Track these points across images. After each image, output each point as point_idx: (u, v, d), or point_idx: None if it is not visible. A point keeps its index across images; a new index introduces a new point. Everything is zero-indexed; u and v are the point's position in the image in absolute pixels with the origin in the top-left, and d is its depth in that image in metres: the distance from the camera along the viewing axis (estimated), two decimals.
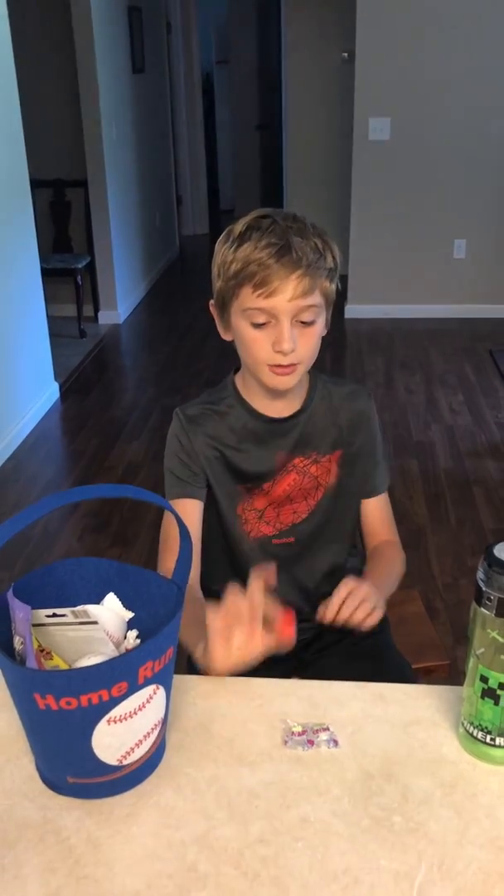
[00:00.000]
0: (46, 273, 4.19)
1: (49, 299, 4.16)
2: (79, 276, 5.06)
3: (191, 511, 1.29)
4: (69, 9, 4.72)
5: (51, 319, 4.18)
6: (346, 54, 5.59)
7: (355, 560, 1.44)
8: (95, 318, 5.42)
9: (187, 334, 5.20)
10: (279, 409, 1.28)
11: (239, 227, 1.16)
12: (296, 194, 6.25)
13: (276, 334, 1.14)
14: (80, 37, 4.76)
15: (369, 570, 1.33)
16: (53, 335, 4.22)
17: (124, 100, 5.47)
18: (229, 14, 8.19)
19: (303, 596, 1.38)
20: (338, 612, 1.14)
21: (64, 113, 5.09)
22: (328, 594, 1.18)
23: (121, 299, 5.46)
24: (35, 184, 3.96)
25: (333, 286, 1.19)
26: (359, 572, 1.40)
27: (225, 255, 1.16)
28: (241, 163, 8.85)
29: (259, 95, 8.50)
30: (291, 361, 1.17)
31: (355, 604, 1.13)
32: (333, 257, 1.17)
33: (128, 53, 5.52)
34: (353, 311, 5.27)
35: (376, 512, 1.40)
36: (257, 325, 1.16)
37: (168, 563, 1.22)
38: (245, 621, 0.96)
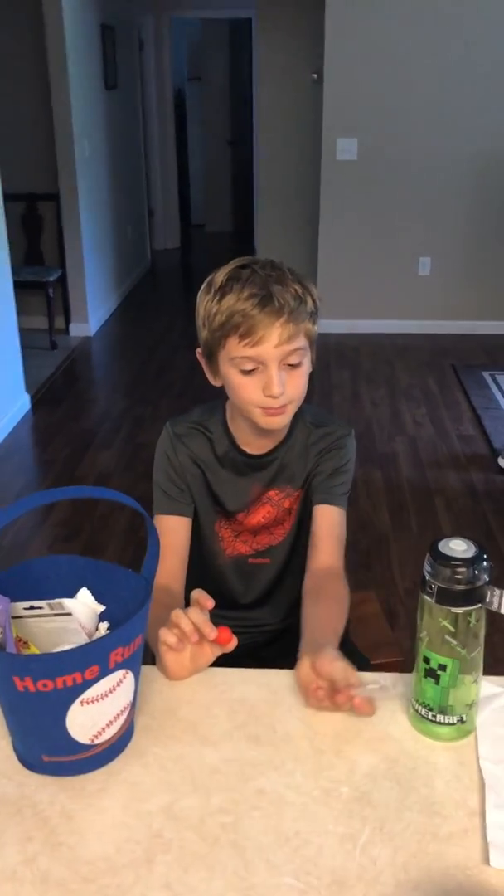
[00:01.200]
0: (18, 285, 4.25)
1: (20, 311, 4.22)
2: (50, 289, 5.12)
3: (177, 528, 1.33)
4: (43, 25, 4.80)
5: (22, 332, 4.24)
6: (315, 75, 5.74)
7: None
8: (66, 331, 5.48)
9: (158, 346, 5.28)
10: (261, 446, 1.33)
11: (220, 278, 1.19)
12: (266, 210, 6.37)
13: (266, 379, 1.19)
14: (54, 53, 4.85)
15: (316, 610, 1.22)
16: (25, 347, 4.27)
17: (97, 115, 5.56)
18: (202, 32, 8.34)
19: (272, 610, 1.46)
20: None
21: (36, 127, 5.17)
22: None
23: (92, 312, 5.53)
24: (7, 197, 4.03)
25: (315, 327, 1.24)
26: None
27: (209, 308, 1.20)
28: (212, 178, 8.99)
29: (230, 112, 8.66)
30: (282, 403, 1.21)
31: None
32: (313, 300, 1.22)
33: (100, 70, 5.62)
34: (320, 325, 5.35)
35: (325, 521, 1.34)
36: (246, 372, 1.20)
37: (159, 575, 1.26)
38: (193, 638, 1.04)
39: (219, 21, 8.04)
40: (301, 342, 1.20)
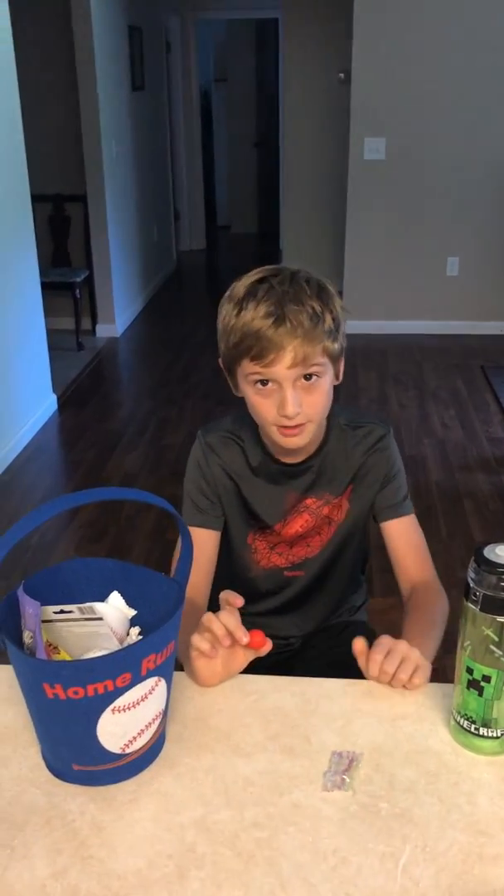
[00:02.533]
0: (45, 286, 4.25)
1: (47, 312, 4.22)
2: (77, 290, 5.12)
3: (206, 541, 1.30)
4: (71, 28, 4.81)
5: (49, 332, 4.24)
6: (342, 75, 5.70)
7: (357, 596, 1.48)
8: (93, 332, 5.48)
9: (184, 348, 5.27)
10: (293, 456, 1.29)
11: (239, 291, 1.16)
12: (292, 211, 6.34)
13: (280, 399, 1.15)
14: (82, 55, 4.85)
15: (407, 624, 1.21)
16: (51, 348, 4.28)
17: (124, 117, 5.57)
18: (228, 33, 8.33)
19: (298, 622, 1.42)
20: (381, 670, 1.07)
21: (64, 129, 5.18)
22: (332, 624, 1.22)
23: (118, 313, 5.53)
24: (35, 198, 4.03)
25: (338, 344, 1.19)
26: (356, 609, 1.46)
27: (226, 322, 1.17)
28: (238, 180, 8.97)
29: (256, 113, 8.64)
30: (298, 422, 1.17)
31: (395, 663, 1.03)
32: (333, 317, 1.16)
33: (128, 72, 5.62)
34: (347, 326, 5.33)
35: (402, 536, 1.31)
36: (261, 391, 1.17)
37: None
38: (226, 642, 1.02)
39: (245, 22, 8.03)
40: (318, 360, 1.15)
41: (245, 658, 1.06)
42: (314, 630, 1.44)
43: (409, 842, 0.83)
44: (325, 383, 1.18)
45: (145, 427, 4.05)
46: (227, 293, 1.19)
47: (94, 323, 5.49)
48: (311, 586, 1.39)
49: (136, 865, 0.81)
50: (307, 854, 0.82)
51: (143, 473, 3.51)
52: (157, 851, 0.83)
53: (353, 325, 5.34)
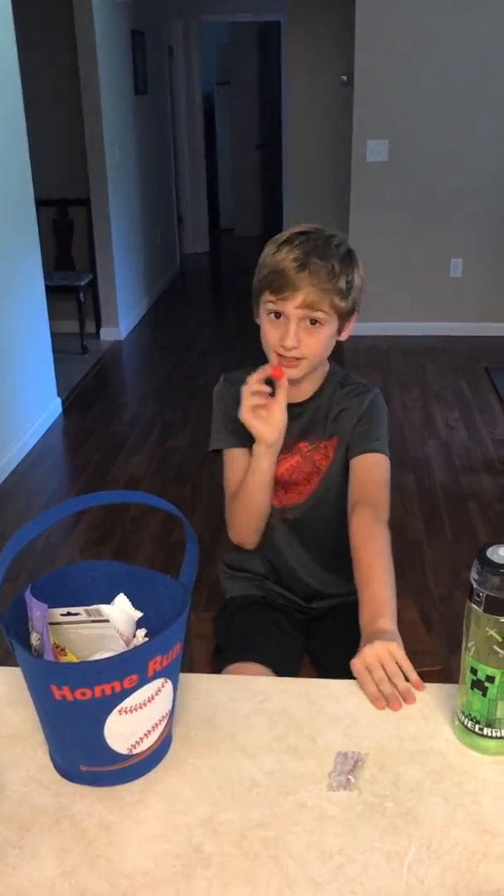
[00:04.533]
0: (49, 290, 4.26)
1: (52, 316, 4.23)
2: (81, 293, 5.14)
3: (240, 458, 1.45)
4: (74, 32, 4.83)
5: (53, 336, 4.25)
6: (345, 77, 5.71)
7: None
8: (97, 335, 5.49)
9: (188, 350, 5.28)
10: (293, 395, 1.42)
11: (283, 235, 1.36)
12: (295, 213, 6.35)
13: (284, 330, 1.33)
14: (85, 58, 4.87)
15: (362, 587, 1.23)
16: (56, 351, 4.29)
17: (127, 120, 5.58)
18: (231, 36, 8.35)
19: (306, 570, 1.52)
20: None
21: (67, 133, 5.20)
22: (350, 602, 1.29)
23: (122, 316, 5.54)
24: (39, 202, 4.05)
25: (346, 303, 1.35)
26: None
27: (263, 258, 1.36)
28: (241, 182, 8.98)
29: (259, 116, 8.65)
30: (294, 356, 1.35)
31: (388, 685, 1.05)
32: (348, 280, 1.34)
33: (130, 75, 5.64)
34: (352, 328, 5.35)
35: (365, 469, 1.40)
36: (272, 319, 1.35)
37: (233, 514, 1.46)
38: (264, 397, 1.33)
39: (247, 25, 8.04)
40: (324, 308, 1.32)
41: (280, 408, 1.33)
42: (331, 587, 1.52)
43: (414, 841, 0.83)
44: (326, 332, 1.36)
45: (150, 430, 4.06)
46: (273, 238, 1.38)
47: (99, 326, 5.50)
48: (299, 532, 1.49)
49: (143, 865, 0.82)
50: (313, 853, 0.82)
51: (149, 476, 3.52)
52: (165, 851, 0.84)
53: (357, 327, 5.27)
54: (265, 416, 1.34)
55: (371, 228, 5.20)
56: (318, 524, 1.50)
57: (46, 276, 4.21)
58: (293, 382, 1.39)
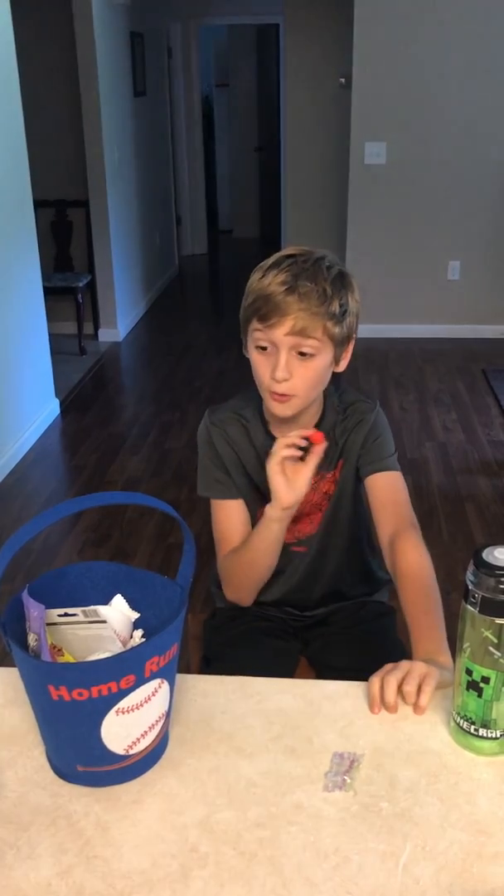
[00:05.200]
0: (48, 291, 4.27)
1: (50, 317, 4.24)
2: (79, 295, 5.14)
3: (233, 508, 1.38)
4: (73, 34, 4.83)
5: (51, 337, 4.26)
6: (343, 79, 5.72)
7: (379, 574, 1.52)
8: (95, 336, 5.50)
9: (186, 352, 5.28)
10: (294, 428, 1.32)
11: (269, 261, 1.26)
12: (294, 215, 6.36)
13: (275, 362, 1.23)
14: (84, 60, 4.87)
15: (412, 617, 1.19)
16: (54, 352, 4.29)
17: (125, 122, 5.59)
18: (229, 38, 8.36)
19: (306, 594, 1.48)
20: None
21: (66, 134, 5.20)
22: (351, 603, 1.28)
23: (121, 317, 5.54)
24: (37, 203, 4.05)
25: (341, 329, 1.24)
26: (380, 585, 1.50)
27: (250, 284, 1.26)
28: (239, 184, 8.99)
29: (258, 118, 8.66)
30: (285, 392, 1.24)
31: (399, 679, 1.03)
32: (341, 303, 1.23)
33: (129, 77, 5.64)
34: None
35: (383, 489, 1.34)
36: (261, 350, 1.25)
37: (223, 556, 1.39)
38: (298, 441, 1.22)
39: (246, 27, 8.05)
40: (316, 336, 1.22)
41: (309, 470, 1.23)
42: (331, 602, 1.49)
43: (409, 841, 0.84)
44: (320, 363, 1.25)
45: (148, 431, 4.06)
46: (260, 264, 1.29)
47: (97, 327, 5.51)
48: (315, 562, 1.44)
49: (140, 865, 0.82)
50: (309, 853, 0.83)
51: (146, 477, 3.52)
52: (161, 851, 0.84)
53: None
54: (290, 478, 1.23)
55: (368, 231, 5.21)
56: (329, 553, 1.44)
57: (45, 277, 4.21)
58: (287, 419, 1.32)
